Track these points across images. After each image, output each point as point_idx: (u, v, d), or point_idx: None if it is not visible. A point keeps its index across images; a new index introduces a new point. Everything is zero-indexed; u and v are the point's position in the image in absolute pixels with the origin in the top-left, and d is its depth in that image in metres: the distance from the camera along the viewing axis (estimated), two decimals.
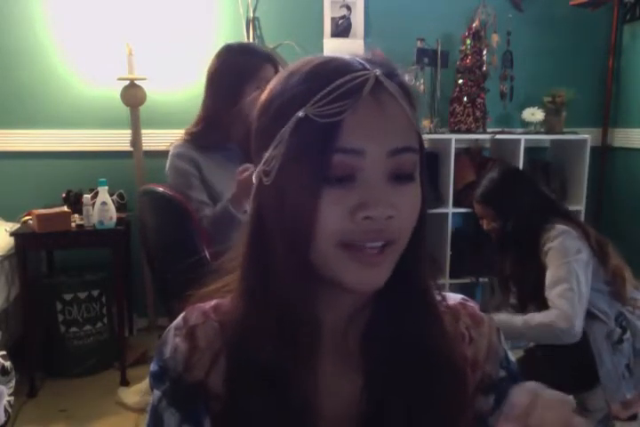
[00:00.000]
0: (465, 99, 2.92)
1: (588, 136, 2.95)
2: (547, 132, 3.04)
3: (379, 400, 0.59)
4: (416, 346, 0.59)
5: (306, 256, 0.54)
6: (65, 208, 2.44)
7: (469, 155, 3.03)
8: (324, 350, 0.60)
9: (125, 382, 2.47)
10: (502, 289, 2.09)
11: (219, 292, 0.65)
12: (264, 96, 0.58)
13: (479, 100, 2.94)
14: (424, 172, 0.58)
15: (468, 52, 2.92)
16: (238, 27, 2.88)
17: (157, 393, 0.61)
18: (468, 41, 2.92)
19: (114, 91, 2.76)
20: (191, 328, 0.61)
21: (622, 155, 3.26)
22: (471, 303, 0.68)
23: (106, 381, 2.53)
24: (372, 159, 0.52)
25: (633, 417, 2.12)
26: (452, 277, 2.93)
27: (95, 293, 2.59)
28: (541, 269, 1.84)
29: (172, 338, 0.62)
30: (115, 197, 2.61)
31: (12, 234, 2.35)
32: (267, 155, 0.55)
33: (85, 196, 2.43)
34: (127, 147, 2.82)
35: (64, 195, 2.63)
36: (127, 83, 2.71)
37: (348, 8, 2.99)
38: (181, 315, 0.64)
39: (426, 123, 2.90)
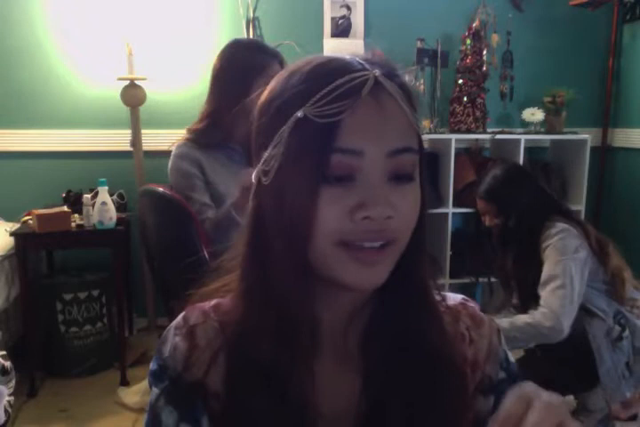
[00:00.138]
0: (465, 99, 2.92)
1: (587, 136, 2.95)
2: (547, 132, 3.04)
3: (378, 400, 0.59)
4: (416, 346, 0.59)
5: (305, 255, 0.55)
6: (65, 208, 2.44)
7: (469, 155, 3.03)
8: (323, 350, 0.60)
9: (125, 382, 2.47)
10: (504, 288, 2.10)
11: (219, 291, 0.65)
12: (264, 96, 0.58)
13: (479, 100, 2.94)
14: (423, 172, 0.58)
15: (468, 52, 2.92)
16: (238, 27, 2.88)
17: (156, 391, 0.62)
18: (468, 41, 2.91)
19: (114, 91, 2.76)
20: (191, 327, 0.62)
21: (622, 155, 3.26)
22: (471, 304, 0.68)
23: (106, 381, 2.53)
24: (371, 159, 0.52)
25: (633, 417, 2.12)
26: (452, 277, 2.93)
27: (95, 293, 2.59)
28: (541, 267, 1.85)
29: (172, 337, 0.62)
30: (115, 197, 2.61)
31: (12, 234, 2.35)
32: (266, 154, 0.55)
33: (85, 196, 2.43)
34: (127, 147, 2.82)
35: (64, 195, 2.64)
36: (127, 83, 2.71)
37: (348, 8, 2.99)
38: (181, 314, 0.64)
39: (426, 123, 2.90)
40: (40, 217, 2.30)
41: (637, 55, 3.14)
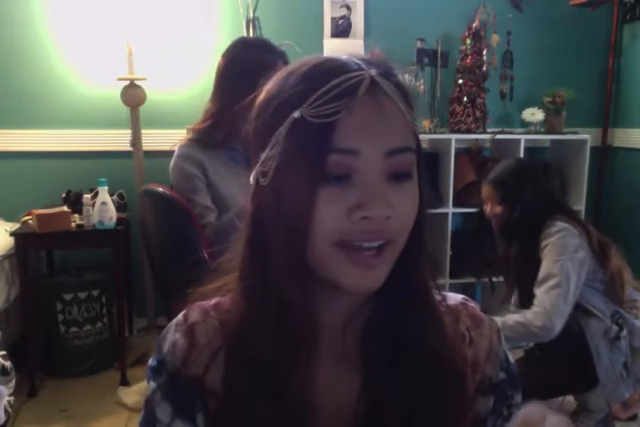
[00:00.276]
0: (465, 99, 2.92)
1: (587, 136, 2.95)
2: (547, 133, 3.04)
3: (377, 400, 0.59)
4: (415, 346, 0.59)
5: (303, 256, 0.55)
6: (65, 208, 2.44)
7: (469, 155, 3.03)
8: (322, 350, 0.60)
9: (125, 382, 2.47)
10: (506, 283, 2.10)
11: (219, 291, 0.65)
12: (261, 97, 0.58)
13: (479, 100, 2.93)
14: (422, 171, 0.58)
15: (468, 52, 2.92)
16: (238, 27, 2.88)
17: (153, 385, 0.62)
18: (468, 41, 2.91)
19: (114, 91, 2.76)
20: (191, 325, 0.62)
21: (622, 155, 3.26)
22: (472, 304, 0.68)
23: (106, 381, 2.53)
24: (368, 159, 0.52)
25: (633, 417, 2.12)
26: (452, 277, 2.93)
27: (95, 293, 2.59)
28: (539, 265, 1.85)
29: (172, 334, 0.62)
30: (115, 197, 2.61)
31: (12, 234, 2.35)
32: (264, 155, 0.55)
33: (85, 196, 2.43)
34: (127, 147, 2.82)
35: (64, 195, 2.64)
36: (127, 83, 2.71)
37: (348, 8, 2.99)
38: (182, 312, 0.64)
39: (426, 123, 2.90)
40: (40, 217, 2.30)
41: (637, 55, 3.14)
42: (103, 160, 2.89)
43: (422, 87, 2.89)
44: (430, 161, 2.92)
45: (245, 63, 1.60)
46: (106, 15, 2.76)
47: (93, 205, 2.38)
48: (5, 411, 1.63)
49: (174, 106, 2.88)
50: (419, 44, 2.87)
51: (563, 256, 1.79)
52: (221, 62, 1.65)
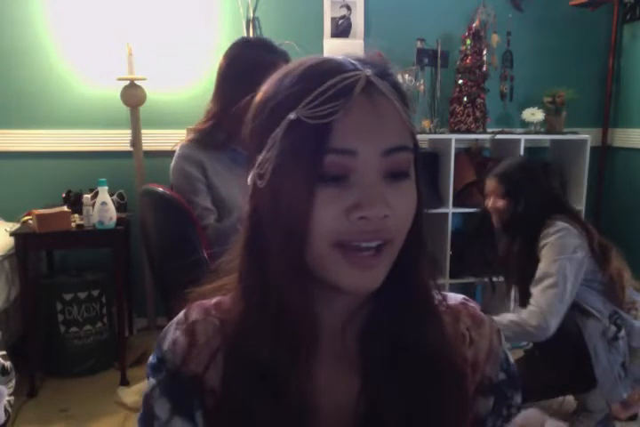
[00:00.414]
0: (465, 99, 2.92)
1: (587, 136, 2.95)
2: (547, 133, 3.04)
3: (376, 400, 0.59)
4: (414, 346, 0.59)
5: (302, 257, 0.55)
6: (65, 208, 2.44)
7: (469, 155, 3.03)
8: (321, 350, 0.60)
9: (125, 382, 2.47)
10: (505, 282, 2.10)
11: (220, 290, 0.65)
12: (257, 98, 0.58)
13: (479, 100, 2.93)
14: (419, 170, 0.58)
15: (468, 52, 2.92)
16: (238, 27, 2.88)
17: (152, 382, 0.62)
18: (468, 41, 2.91)
19: (114, 91, 2.76)
20: (192, 324, 0.62)
21: (622, 155, 3.26)
22: (472, 304, 0.68)
23: (106, 381, 2.53)
24: (365, 159, 0.52)
25: (633, 417, 2.12)
26: (452, 277, 2.93)
27: (95, 293, 2.59)
28: (537, 265, 1.86)
29: (173, 332, 0.63)
30: (115, 197, 2.61)
31: (12, 234, 2.35)
32: (260, 158, 0.55)
33: (85, 196, 2.43)
34: (127, 147, 2.82)
35: (64, 195, 2.64)
36: (127, 83, 2.71)
37: (348, 8, 2.99)
38: (183, 311, 0.64)
39: (426, 123, 2.90)
40: (40, 217, 2.30)
41: (637, 55, 3.14)
42: (103, 160, 2.89)
43: (422, 87, 2.89)
44: (430, 161, 2.92)
45: (246, 63, 1.59)
46: (106, 15, 2.76)
47: (93, 205, 2.38)
48: (5, 411, 1.63)
49: (174, 106, 2.88)
50: (419, 44, 2.87)
51: (561, 256, 1.80)
52: (222, 62, 1.65)
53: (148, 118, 2.82)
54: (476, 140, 3.05)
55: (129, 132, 2.80)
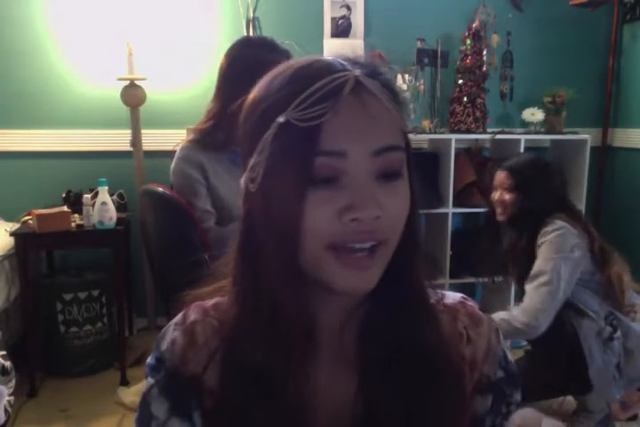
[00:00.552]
0: (465, 99, 2.92)
1: (587, 136, 2.95)
2: (547, 133, 3.04)
3: (374, 400, 0.59)
4: (411, 346, 0.59)
5: (295, 259, 0.55)
6: (65, 208, 2.44)
7: (469, 155, 3.03)
8: (318, 351, 0.60)
9: (125, 382, 2.47)
10: (505, 280, 2.10)
11: (220, 291, 0.65)
12: (248, 101, 0.58)
13: (479, 100, 2.93)
14: (412, 169, 0.58)
15: (468, 52, 2.92)
16: (238, 27, 2.88)
17: (151, 381, 0.62)
18: (468, 41, 2.91)
19: (114, 91, 2.76)
20: (191, 324, 0.62)
21: (622, 155, 3.26)
22: (470, 302, 0.67)
23: (106, 381, 2.53)
24: (355, 160, 0.52)
25: (633, 418, 2.12)
26: (452, 277, 2.93)
27: (95, 293, 2.59)
28: (534, 262, 1.86)
29: (172, 332, 0.63)
30: (115, 197, 2.61)
31: (12, 234, 2.35)
32: (252, 161, 0.55)
33: (85, 196, 2.43)
34: (127, 147, 2.82)
35: (64, 195, 2.64)
36: (127, 83, 2.71)
37: (348, 8, 2.99)
38: (182, 311, 0.64)
39: (426, 123, 2.90)
40: (40, 217, 2.30)
41: (637, 55, 3.14)
42: (103, 160, 2.89)
43: (422, 87, 2.89)
44: (430, 161, 2.92)
45: (247, 62, 1.58)
46: (106, 15, 2.76)
47: (93, 205, 2.38)
48: (5, 411, 1.63)
49: (174, 106, 2.88)
50: (419, 44, 2.87)
51: (558, 254, 1.80)
52: (224, 62, 1.65)
53: (148, 118, 2.82)
54: (476, 140, 3.05)
55: (129, 132, 2.80)
